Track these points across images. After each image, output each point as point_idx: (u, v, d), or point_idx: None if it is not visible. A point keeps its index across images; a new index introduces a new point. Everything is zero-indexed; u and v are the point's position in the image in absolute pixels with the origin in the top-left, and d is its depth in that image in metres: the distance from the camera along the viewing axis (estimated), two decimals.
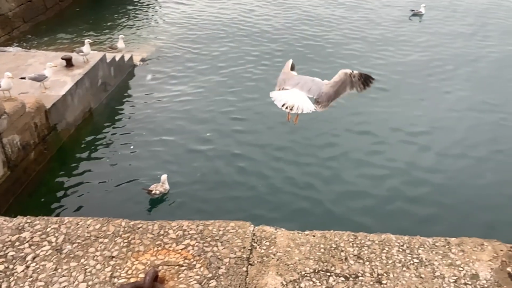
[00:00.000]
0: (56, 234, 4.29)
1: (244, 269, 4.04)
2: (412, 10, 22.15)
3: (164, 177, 10.94)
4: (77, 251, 4.10)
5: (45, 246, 4.16)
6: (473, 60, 18.09)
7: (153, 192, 10.74)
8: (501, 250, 4.48)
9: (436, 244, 4.56)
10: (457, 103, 15.10)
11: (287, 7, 23.95)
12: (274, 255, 4.26)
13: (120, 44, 17.23)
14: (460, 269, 4.25)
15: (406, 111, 14.69)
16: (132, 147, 12.77)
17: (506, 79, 16.68)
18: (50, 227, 4.39)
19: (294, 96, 5.38)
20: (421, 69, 17.17)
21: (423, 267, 4.25)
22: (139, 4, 24.66)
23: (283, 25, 21.59)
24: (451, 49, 19.01)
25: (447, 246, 4.53)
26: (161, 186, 10.87)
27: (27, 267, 3.93)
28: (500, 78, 16.78)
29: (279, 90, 5.61)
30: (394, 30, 20.92)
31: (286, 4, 24.56)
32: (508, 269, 4.27)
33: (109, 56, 15.49)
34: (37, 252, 4.08)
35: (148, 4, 24.83)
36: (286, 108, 5.28)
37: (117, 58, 15.98)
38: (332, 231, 4.68)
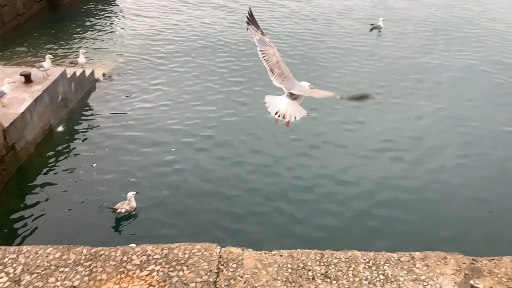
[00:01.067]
0: (14, 265, 4.12)
1: None
2: (372, 24, 22.71)
3: (130, 194, 10.72)
4: (36, 282, 3.94)
5: (2, 277, 3.98)
6: (434, 70, 18.59)
7: (118, 210, 10.50)
8: (464, 263, 4.58)
9: (401, 259, 4.62)
10: (422, 116, 15.29)
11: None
12: (241, 277, 4.21)
13: (81, 58, 16.91)
14: (425, 284, 4.31)
15: (370, 123, 14.87)
16: (95, 164, 12.47)
17: (466, 88, 17.18)
18: (7, 257, 4.21)
19: (287, 104, 5.62)
20: (383, 81, 17.53)
21: (389, 284, 4.29)
22: (101, 17, 24.30)
23: (247, 38, 21.69)
24: (411, 59, 19.55)
25: (411, 261, 4.60)
26: (127, 204, 10.65)
27: None
28: (461, 88, 17.28)
29: (278, 74, 5.81)
30: (356, 43, 21.38)
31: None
32: (471, 282, 4.37)
33: (69, 72, 15.16)
34: None
35: (110, 17, 24.51)
36: (279, 116, 5.58)
37: (77, 73, 15.66)
38: (299, 250, 4.69)
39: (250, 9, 6.08)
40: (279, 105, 5.66)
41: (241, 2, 27.06)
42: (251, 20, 6.05)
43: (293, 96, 5.63)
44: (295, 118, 5.58)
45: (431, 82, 17.59)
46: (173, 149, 13.24)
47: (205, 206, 11.07)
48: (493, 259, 4.64)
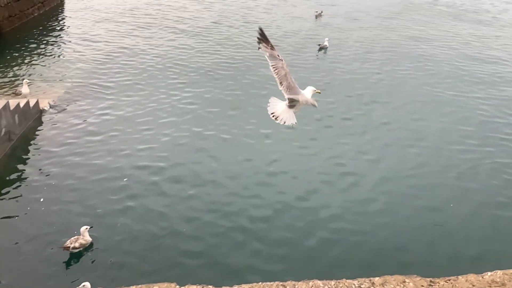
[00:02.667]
0: None
1: None
2: (319, 44, 23.33)
3: (83, 229, 10.30)
4: None
5: None
6: (376, 86, 19.23)
7: (71, 247, 10.05)
8: (422, 286, 4.65)
9: (362, 286, 4.64)
10: (374, 139, 15.50)
11: (202, 37, 24.18)
12: None
13: (25, 89, 16.32)
14: None
15: (324, 147, 14.98)
16: (42, 199, 11.92)
17: (411, 103, 17.80)
18: None
19: (283, 110, 6.64)
20: (332, 99, 17.89)
21: None
22: (46, 44, 23.62)
23: (197, 60, 21.69)
24: (358, 75, 20.14)
25: (372, 287, 4.62)
26: (82, 238, 10.21)
27: None
28: (407, 103, 17.89)
29: (286, 87, 6.62)
30: (303, 63, 21.85)
31: (200, 35, 24.89)
32: None
33: (12, 103, 14.56)
34: None
35: (56, 43, 23.87)
36: (273, 117, 6.62)
37: (21, 105, 15.06)
38: (260, 283, 4.62)
39: (260, 28, 6.59)
40: (276, 108, 6.68)
41: (190, 24, 27.20)
42: (262, 38, 6.59)
43: (289, 104, 6.57)
44: (285, 123, 6.54)
45: (376, 99, 18.13)
46: (125, 180, 12.85)
47: (161, 241, 10.73)
48: (449, 279, 4.74)
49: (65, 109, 16.87)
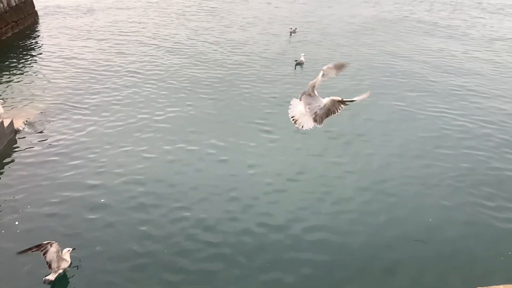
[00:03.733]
0: None
1: None
2: (296, 60, 23.65)
3: (65, 251, 10.10)
4: None
5: None
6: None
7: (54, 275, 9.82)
8: None
9: None
10: (351, 151, 15.70)
11: (179, 54, 24.28)
12: None
13: None
14: None
15: (304, 161, 15.17)
16: (17, 222, 11.63)
17: (394, 117, 18.12)
18: None
19: (302, 114, 6.97)
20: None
21: None
22: (18, 61, 23.37)
23: (177, 68, 21.78)
24: (334, 89, 20.37)
25: None
26: (63, 260, 9.98)
27: None
28: (389, 116, 18.23)
29: (301, 98, 7.09)
30: (282, 78, 22.17)
31: (177, 52, 24.98)
32: None
33: None
34: None
35: (29, 61, 23.65)
36: (293, 120, 6.94)
37: None
38: None
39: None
40: (296, 111, 7.02)
41: (167, 40, 27.31)
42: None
43: (307, 109, 6.94)
44: (302, 127, 6.91)
45: (353, 113, 18.40)
46: (102, 200, 12.67)
47: (144, 260, 10.59)
48: None
49: (40, 128, 16.64)
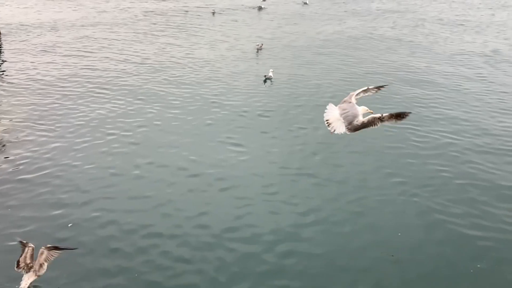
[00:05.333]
0: None
1: None
2: (265, 76, 23.89)
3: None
4: None
5: None
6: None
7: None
8: None
9: None
10: (319, 164, 15.82)
11: (148, 68, 24.11)
12: None
13: None
14: None
15: (269, 178, 15.18)
16: None
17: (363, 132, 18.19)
18: None
19: (336, 119, 7.59)
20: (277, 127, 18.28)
21: None
22: None
23: (142, 82, 21.58)
24: (300, 101, 20.65)
25: None
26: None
27: None
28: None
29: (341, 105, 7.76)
30: (253, 93, 22.30)
31: (144, 65, 24.83)
32: None
33: None
34: None
35: None
36: (327, 123, 7.66)
37: None
38: None
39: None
40: (331, 116, 7.65)
41: (132, 56, 27.08)
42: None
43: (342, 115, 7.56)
44: (334, 131, 7.57)
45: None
46: (70, 225, 12.24)
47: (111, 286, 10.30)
48: None
49: (3, 146, 16.11)
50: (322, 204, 13.40)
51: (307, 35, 35.09)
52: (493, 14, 43.97)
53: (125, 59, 27.33)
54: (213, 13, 42.40)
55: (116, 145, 16.58)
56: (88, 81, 23.14)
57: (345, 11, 44.91)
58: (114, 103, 20.42)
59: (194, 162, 15.55)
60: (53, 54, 27.85)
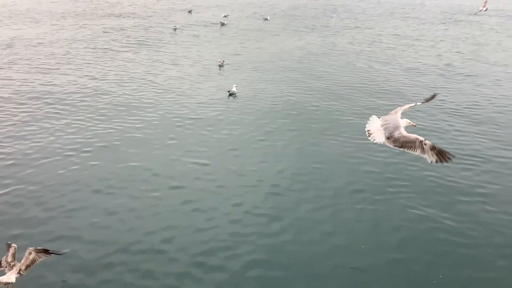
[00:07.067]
0: None
1: None
2: (229, 91, 24.13)
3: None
4: None
5: None
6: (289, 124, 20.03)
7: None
8: None
9: None
10: (262, 177, 15.77)
11: (109, 87, 23.78)
12: None
13: None
14: None
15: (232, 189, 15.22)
16: None
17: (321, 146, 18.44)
18: None
19: (377, 129, 8.02)
20: (238, 147, 18.30)
21: None
22: None
23: (103, 102, 21.27)
24: (264, 113, 20.86)
25: None
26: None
27: None
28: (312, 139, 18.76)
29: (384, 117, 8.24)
30: (218, 108, 22.36)
31: (105, 83, 24.43)
32: None
33: None
34: None
35: None
36: (368, 133, 8.11)
37: None
38: None
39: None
40: (372, 126, 8.09)
41: (98, 73, 26.67)
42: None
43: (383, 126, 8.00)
44: (374, 140, 7.99)
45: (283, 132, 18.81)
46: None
47: None
48: None
49: None
50: (282, 214, 13.52)
51: (269, 50, 35.56)
52: (446, 29, 45.77)
53: (85, 75, 26.99)
54: (175, 29, 42.41)
55: (77, 160, 16.41)
56: (47, 98, 22.77)
57: (305, 27, 45.82)
58: (73, 119, 20.15)
59: (156, 176, 15.50)
60: (10, 71, 27.33)
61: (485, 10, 44.30)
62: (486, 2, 43.17)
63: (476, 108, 22.97)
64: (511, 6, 61.05)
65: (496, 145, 18.47)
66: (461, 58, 34.07)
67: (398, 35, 42.55)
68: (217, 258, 11.58)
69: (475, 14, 44.99)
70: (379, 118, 8.46)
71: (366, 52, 35.56)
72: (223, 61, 30.52)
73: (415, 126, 8.43)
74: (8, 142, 17.78)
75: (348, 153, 17.61)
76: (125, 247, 11.88)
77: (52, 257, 10.42)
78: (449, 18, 51.95)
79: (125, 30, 41.48)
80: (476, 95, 25.22)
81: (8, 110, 21.14)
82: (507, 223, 13.32)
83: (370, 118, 8.27)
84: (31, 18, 45.56)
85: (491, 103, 23.84)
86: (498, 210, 13.89)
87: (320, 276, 11.13)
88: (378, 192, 14.76)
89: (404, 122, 8.26)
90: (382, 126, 8.08)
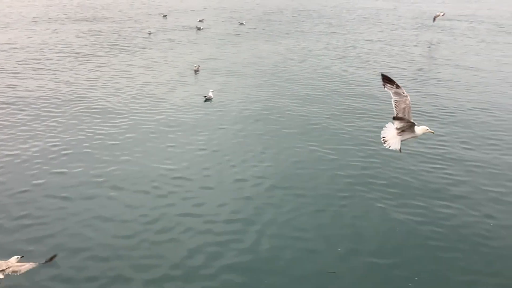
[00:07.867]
0: None
1: None
2: (205, 96, 24.08)
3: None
4: None
5: None
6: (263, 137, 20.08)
7: None
8: None
9: None
10: (244, 183, 15.78)
11: (81, 94, 23.42)
12: None
13: None
14: None
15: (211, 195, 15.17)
16: None
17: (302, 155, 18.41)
18: None
19: (392, 136, 8.37)
20: (214, 152, 18.25)
21: None
22: None
23: (78, 110, 20.95)
24: (241, 118, 20.86)
25: None
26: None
27: None
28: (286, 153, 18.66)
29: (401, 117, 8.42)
30: (193, 113, 22.28)
31: (78, 88, 24.06)
32: None
33: None
34: None
35: None
36: (383, 140, 8.43)
37: None
38: None
39: (382, 74, 9.02)
40: (387, 133, 8.39)
41: (70, 79, 26.24)
42: (386, 80, 8.71)
43: (399, 133, 8.32)
44: (390, 147, 8.42)
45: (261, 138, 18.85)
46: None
47: None
48: None
49: None
50: (259, 218, 13.59)
51: (245, 55, 35.61)
52: (418, 34, 46.59)
53: (58, 80, 26.58)
54: (150, 33, 42.07)
55: (46, 167, 16.18)
56: (18, 104, 22.34)
57: (281, 32, 46.05)
58: (46, 125, 19.85)
59: (130, 182, 15.41)
60: None
61: (443, 15, 45.24)
62: (441, 12, 44.77)
63: (448, 112, 23.46)
64: (482, 11, 62.63)
65: (467, 146, 18.98)
66: (433, 63, 34.79)
67: (371, 40, 43.13)
68: (193, 262, 11.58)
69: (433, 21, 45.99)
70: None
71: (341, 56, 35.95)
72: (199, 66, 30.43)
73: (433, 133, 8.92)
74: None
75: (325, 156, 17.78)
76: (96, 254, 11.79)
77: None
78: (421, 24, 52.89)
79: (99, 34, 40.99)
80: (449, 99, 25.74)
81: None
82: (483, 225, 13.58)
83: (386, 125, 8.54)
84: (1, 22, 44.53)
85: (462, 106, 24.37)
86: (475, 214, 14.13)
87: (298, 280, 11.16)
88: (355, 196, 14.92)
89: (422, 129, 8.58)
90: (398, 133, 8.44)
